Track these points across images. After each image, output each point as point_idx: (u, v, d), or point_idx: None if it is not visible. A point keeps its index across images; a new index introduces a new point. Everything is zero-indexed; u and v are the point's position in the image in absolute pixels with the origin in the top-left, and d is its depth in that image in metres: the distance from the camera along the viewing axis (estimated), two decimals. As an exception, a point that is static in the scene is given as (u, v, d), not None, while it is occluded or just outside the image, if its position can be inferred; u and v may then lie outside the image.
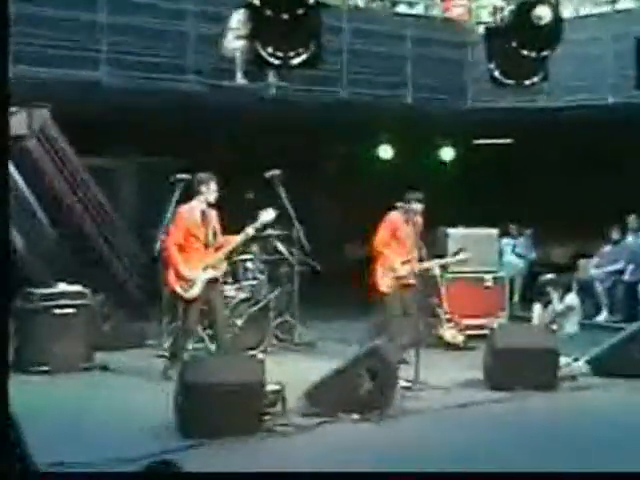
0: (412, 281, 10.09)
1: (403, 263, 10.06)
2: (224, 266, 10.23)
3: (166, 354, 10.40)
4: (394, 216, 10.20)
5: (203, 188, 9.32)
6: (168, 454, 6.29)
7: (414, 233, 10.03)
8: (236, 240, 9.66)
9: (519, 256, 15.15)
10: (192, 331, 9.58)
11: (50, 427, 7.06)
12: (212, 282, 9.37)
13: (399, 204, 10.13)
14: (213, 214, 9.43)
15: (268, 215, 9.75)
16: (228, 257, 10.05)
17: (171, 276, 9.33)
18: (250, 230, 9.62)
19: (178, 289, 9.29)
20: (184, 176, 10.68)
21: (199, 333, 10.41)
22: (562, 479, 6.16)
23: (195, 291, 9.23)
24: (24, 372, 9.29)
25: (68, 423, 7.58)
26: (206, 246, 9.30)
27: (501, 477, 6.11)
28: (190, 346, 10.20)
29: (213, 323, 9.62)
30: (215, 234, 9.38)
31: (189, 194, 9.70)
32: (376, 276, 10.15)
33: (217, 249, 9.40)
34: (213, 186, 9.35)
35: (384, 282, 10.08)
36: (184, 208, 9.41)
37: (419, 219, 10.18)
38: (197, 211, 9.31)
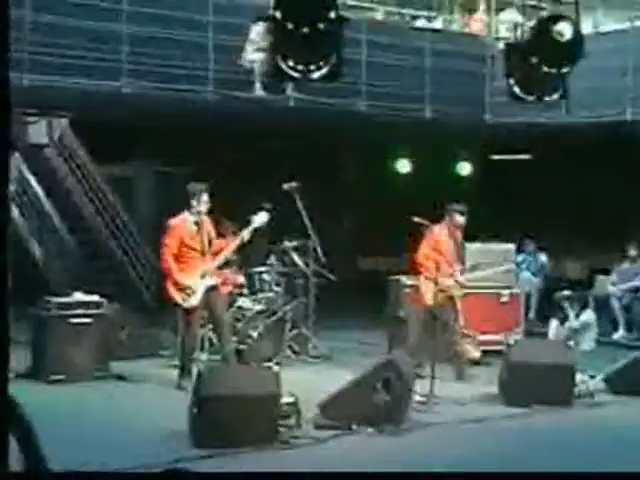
0: (456, 293, 10.14)
1: (446, 276, 10.07)
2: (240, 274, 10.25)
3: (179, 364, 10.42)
4: (436, 229, 10.17)
5: (194, 202, 9.35)
6: (182, 463, 6.31)
7: (456, 245, 10.11)
8: (232, 245, 9.71)
9: (534, 273, 15.08)
10: (195, 340, 9.57)
11: (64, 435, 7.05)
12: (212, 290, 9.42)
13: (416, 219, 10.08)
14: (207, 221, 9.47)
15: (261, 218, 9.76)
16: (224, 263, 10.07)
17: (170, 287, 9.34)
18: (245, 234, 9.66)
19: (178, 299, 9.31)
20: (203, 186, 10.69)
21: (215, 343, 10.42)
22: (563, 479, 6.14)
23: (195, 299, 9.27)
24: (40, 380, 9.32)
25: (82, 431, 7.58)
26: (202, 254, 9.35)
27: (501, 477, 6.10)
28: (204, 357, 10.24)
29: (217, 332, 9.65)
30: (210, 241, 9.43)
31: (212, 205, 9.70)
32: (420, 289, 10.16)
33: (214, 256, 9.46)
34: (204, 198, 9.37)
35: (428, 295, 10.02)
36: (175, 220, 9.40)
37: (459, 231, 10.27)
38: (190, 222, 9.34)
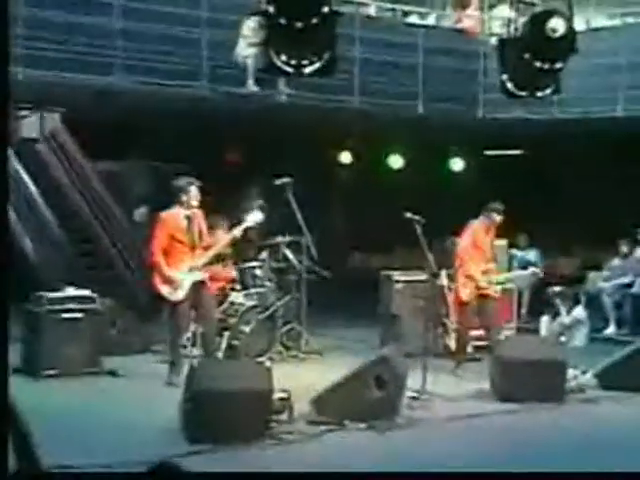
0: (491, 292, 10.24)
1: (483, 273, 10.19)
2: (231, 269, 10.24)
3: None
4: (476, 225, 10.35)
5: (183, 197, 9.33)
6: (173, 459, 6.29)
7: (492, 243, 10.30)
8: (222, 241, 9.78)
9: (526, 268, 15.08)
10: (181, 335, 9.55)
11: (56, 430, 7.04)
12: (200, 285, 9.37)
13: (408, 214, 10.04)
14: (199, 215, 9.44)
15: (255, 217, 9.88)
16: (216, 259, 10.06)
17: (157, 279, 9.32)
18: (236, 231, 9.77)
19: (164, 292, 9.28)
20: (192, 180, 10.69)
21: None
22: (562, 479, 6.17)
23: (181, 293, 9.23)
24: (32, 375, 9.31)
25: (74, 427, 7.58)
26: (192, 248, 9.33)
27: (501, 477, 6.12)
28: (195, 352, 10.24)
29: (203, 328, 9.60)
30: (201, 235, 9.42)
31: (206, 202, 9.68)
32: (457, 284, 10.32)
33: (204, 251, 9.43)
34: (193, 192, 9.34)
35: (465, 291, 10.22)
36: (166, 213, 9.40)
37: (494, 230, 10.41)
38: (181, 216, 9.32)
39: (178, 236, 9.28)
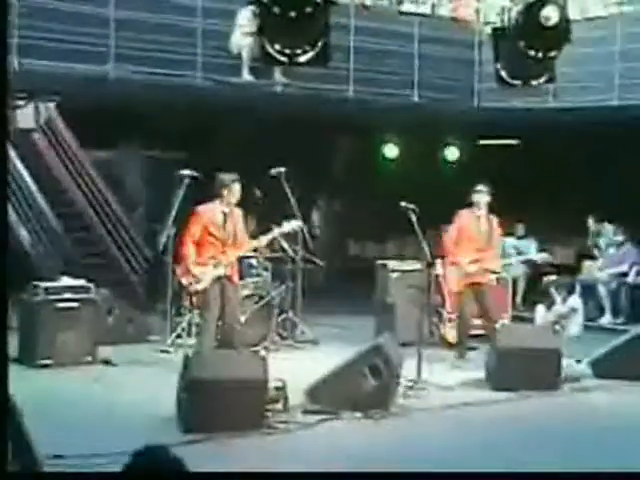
0: (482, 279, 10.20)
1: (471, 262, 10.11)
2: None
3: (169, 349, 10.43)
4: (463, 212, 10.29)
5: (224, 191, 9.11)
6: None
7: (487, 229, 10.17)
8: (252, 244, 9.63)
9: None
10: (210, 322, 9.18)
11: (52, 420, 7.07)
12: (225, 278, 9.15)
13: (402, 203, 10.02)
14: (237, 214, 9.26)
15: (291, 225, 9.78)
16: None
17: (182, 270, 9.34)
18: (270, 236, 9.72)
19: (185, 282, 9.33)
20: (189, 172, 10.71)
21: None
22: (561, 479, 6.19)
23: (201, 285, 9.09)
24: (28, 365, 9.32)
25: (70, 416, 7.60)
26: (224, 245, 9.12)
27: (501, 477, 6.13)
28: (191, 341, 10.25)
29: (222, 317, 9.30)
30: (235, 233, 9.20)
31: (202, 192, 9.62)
32: (445, 275, 10.33)
33: (236, 249, 9.25)
34: (236, 188, 9.14)
35: (452, 280, 10.23)
36: (203, 208, 9.18)
37: (487, 213, 10.24)
38: (218, 212, 9.12)
39: (212, 230, 9.08)
